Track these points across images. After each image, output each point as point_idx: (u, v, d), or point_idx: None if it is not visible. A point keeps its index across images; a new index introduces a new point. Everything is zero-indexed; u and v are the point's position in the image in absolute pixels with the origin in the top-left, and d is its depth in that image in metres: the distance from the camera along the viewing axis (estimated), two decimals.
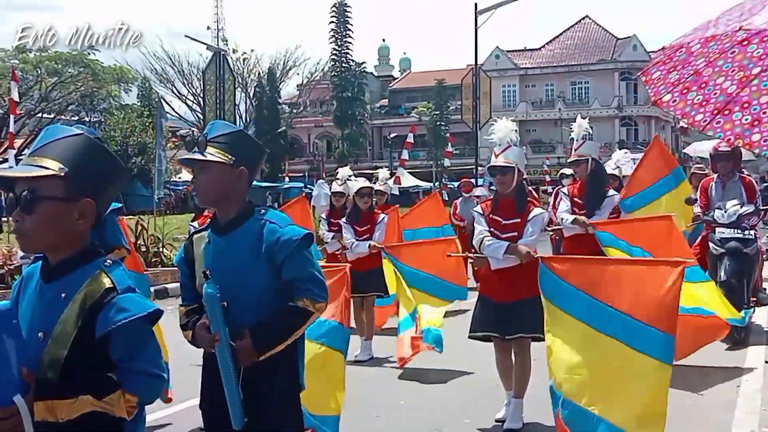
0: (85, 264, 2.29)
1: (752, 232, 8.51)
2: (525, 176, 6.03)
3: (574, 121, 8.18)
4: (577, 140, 7.88)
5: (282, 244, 3.01)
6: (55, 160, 2.25)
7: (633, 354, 4.52)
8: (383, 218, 8.38)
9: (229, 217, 3.10)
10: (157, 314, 2.29)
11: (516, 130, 5.99)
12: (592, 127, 8.10)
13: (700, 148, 12.98)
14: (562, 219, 7.72)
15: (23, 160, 2.31)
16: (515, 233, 5.64)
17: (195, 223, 7.00)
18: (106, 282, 2.25)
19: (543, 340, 5.46)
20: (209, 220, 3.25)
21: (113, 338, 2.20)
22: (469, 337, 5.87)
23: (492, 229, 5.70)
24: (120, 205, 4.98)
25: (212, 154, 3.04)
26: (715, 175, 8.84)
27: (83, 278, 2.26)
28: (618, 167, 10.69)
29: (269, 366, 3.00)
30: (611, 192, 8.06)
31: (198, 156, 3.05)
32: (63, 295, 2.24)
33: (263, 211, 3.13)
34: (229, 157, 3.05)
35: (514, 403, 5.71)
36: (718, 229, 8.47)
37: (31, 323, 2.24)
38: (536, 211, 5.79)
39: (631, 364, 4.55)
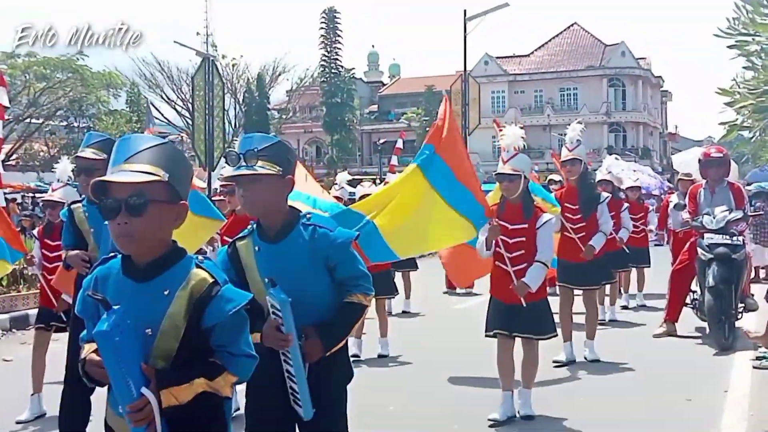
0: (178, 261, 2.49)
1: (740, 238, 8.57)
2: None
3: (565, 127, 8.32)
4: (571, 143, 7.97)
5: (336, 247, 3.21)
6: (154, 165, 2.43)
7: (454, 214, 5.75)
8: None
9: (277, 224, 3.22)
10: (252, 301, 2.52)
11: (524, 137, 6.11)
12: (582, 133, 8.21)
13: (683, 159, 13.01)
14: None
15: (118, 167, 2.43)
16: (523, 238, 5.78)
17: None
18: (208, 277, 2.46)
19: (550, 338, 5.90)
20: (250, 227, 3.31)
21: (219, 326, 2.43)
22: (486, 336, 6.01)
23: (500, 236, 5.81)
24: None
25: (263, 167, 3.12)
26: (704, 182, 8.88)
27: (181, 274, 2.45)
28: (609, 172, 10.79)
29: (330, 361, 3.21)
30: (604, 195, 8.22)
31: (251, 171, 3.11)
32: (166, 292, 2.42)
33: (308, 216, 3.28)
34: (278, 168, 3.15)
35: (524, 393, 5.91)
36: (706, 235, 8.52)
37: (134, 321, 2.37)
38: (545, 217, 5.89)
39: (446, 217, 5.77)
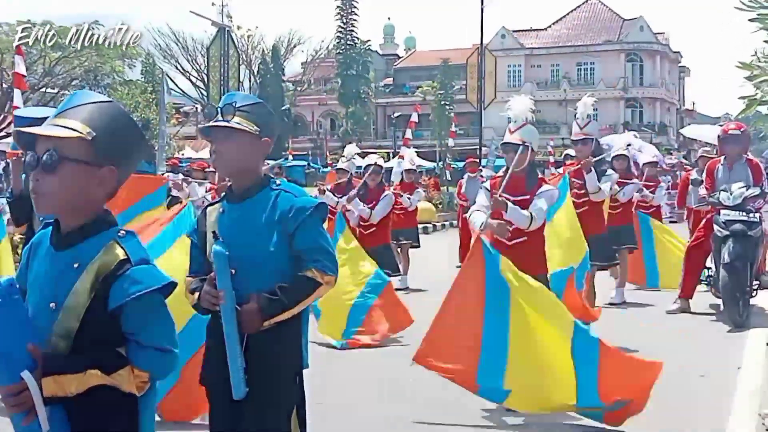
0: (98, 233, 2.25)
1: (757, 215, 8.50)
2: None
3: (580, 102, 8.21)
4: (582, 119, 7.88)
5: (295, 212, 3.02)
6: (83, 123, 2.22)
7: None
8: (386, 194, 8.69)
9: (245, 186, 3.12)
10: (172, 286, 2.26)
11: (533, 109, 6.00)
12: (596, 108, 8.14)
13: (700, 132, 12.89)
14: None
15: (48, 120, 2.27)
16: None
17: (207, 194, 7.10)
18: (120, 253, 2.21)
19: None
20: (224, 192, 3.25)
21: (126, 311, 2.18)
22: None
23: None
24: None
25: (239, 123, 3.05)
26: (722, 158, 8.81)
27: (97, 248, 2.22)
28: (628, 147, 10.65)
29: (274, 337, 3.00)
30: (609, 171, 8.17)
31: (226, 123, 3.05)
32: (76, 264, 2.20)
33: (278, 182, 3.16)
34: (255, 128, 3.07)
35: None
36: (723, 211, 8.45)
37: (42, 292, 2.22)
38: (546, 187, 5.82)
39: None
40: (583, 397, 5.03)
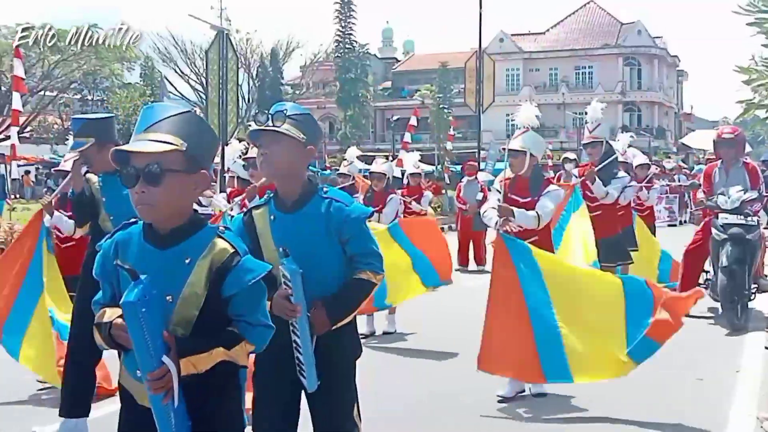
0: (199, 230, 2.53)
1: (755, 218, 8.52)
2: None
3: (579, 106, 8.34)
4: (592, 123, 7.98)
5: (350, 222, 3.22)
6: (175, 135, 2.45)
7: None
8: (392, 198, 8.81)
9: (294, 194, 3.25)
10: (270, 273, 2.55)
11: (539, 116, 6.19)
12: (602, 111, 8.25)
13: (700, 140, 12.96)
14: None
15: (139, 136, 2.46)
16: None
17: (236, 199, 7.08)
18: (228, 247, 2.49)
19: None
20: (267, 196, 3.36)
21: (238, 296, 2.47)
22: None
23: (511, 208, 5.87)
24: None
25: (287, 130, 3.18)
26: (719, 161, 8.83)
27: (202, 243, 2.49)
28: (625, 152, 10.71)
29: (337, 335, 3.22)
30: (621, 173, 8.25)
31: (276, 128, 3.17)
32: (187, 260, 2.47)
33: (325, 189, 3.30)
34: (303, 136, 3.21)
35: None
36: (721, 215, 8.48)
37: (157, 290, 2.40)
38: (552, 187, 6.03)
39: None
40: (637, 353, 5.35)
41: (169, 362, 2.34)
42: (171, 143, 2.43)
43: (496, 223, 5.81)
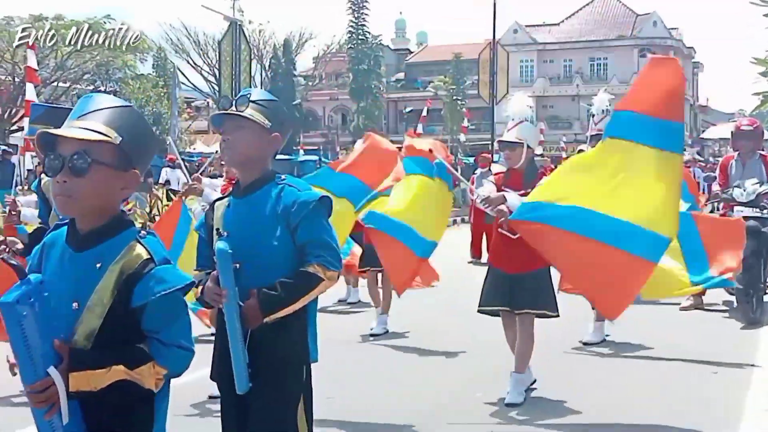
0: (118, 234, 2.28)
1: None
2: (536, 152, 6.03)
3: (594, 97, 8.18)
4: (597, 114, 7.86)
5: (298, 206, 3.02)
6: (109, 126, 2.24)
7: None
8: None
9: (251, 180, 3.13)
10: (191, 286, 2.31)
11: (531, 106, 6.02)
12: (610, 103, 8.11)
13: (718, 132, 12.88)
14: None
15: (71, 123, 2.27)
16: None
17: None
18: (143, 253, 2.24)
19: (549, 317, 5.60)
20: (231, 187, 3.28)
21: (148, 309, 2.21)
22: (479, 311, 5.84)
23: None
24: None
25: (251, 114, 3.08)
26: (736, 154, 8.76)
27: (118, 248, 2.25)
28: None
29: (278, 331, 2.99)
30: None
31: (238, 113, 3.08)
32: (98, 265, 2.23)
33: (284, 177, 3.16)
34: (267, 122, 3.09)
35: (515, 378, 5.62)
36: (736, 208, 8.41)
37: (61, 292, 2.23)
38: (546, 178, 5.77)
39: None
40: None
41: (56, 374, 2.09)
42: (103, 134, 2.21)
43: (480, 194, 5.67)
